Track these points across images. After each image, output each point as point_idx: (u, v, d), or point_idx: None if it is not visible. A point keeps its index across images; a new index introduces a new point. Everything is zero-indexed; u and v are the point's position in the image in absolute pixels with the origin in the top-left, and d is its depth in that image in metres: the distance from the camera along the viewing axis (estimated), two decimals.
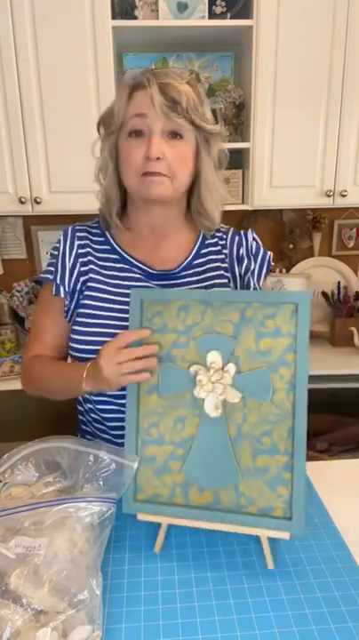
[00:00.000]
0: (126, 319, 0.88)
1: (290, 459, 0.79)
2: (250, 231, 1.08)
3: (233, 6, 1.91)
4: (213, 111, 2.10)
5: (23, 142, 1.90)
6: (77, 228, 1.05)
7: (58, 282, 1.01)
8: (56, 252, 1.04)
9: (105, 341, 0.87)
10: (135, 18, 1.88)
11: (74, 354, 1.03)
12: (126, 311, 0.90)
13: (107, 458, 0.80)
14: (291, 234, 2.44)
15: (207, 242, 1.06)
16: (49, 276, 1.03)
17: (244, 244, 1.06)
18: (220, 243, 1.07)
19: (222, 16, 1.91)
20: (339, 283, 2.41)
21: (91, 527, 0.75)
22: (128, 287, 0.97)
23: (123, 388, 0.86)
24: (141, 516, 0.84)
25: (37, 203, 1.96)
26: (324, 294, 2.41)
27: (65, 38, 1.81)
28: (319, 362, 2.13)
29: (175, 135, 0.92)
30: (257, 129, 1.97)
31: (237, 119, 2.08)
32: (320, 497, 0.98)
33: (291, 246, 2.46)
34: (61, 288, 1.01)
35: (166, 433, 0.84)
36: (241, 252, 1.06)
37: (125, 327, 0.89)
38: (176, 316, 0.83)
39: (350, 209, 2.40)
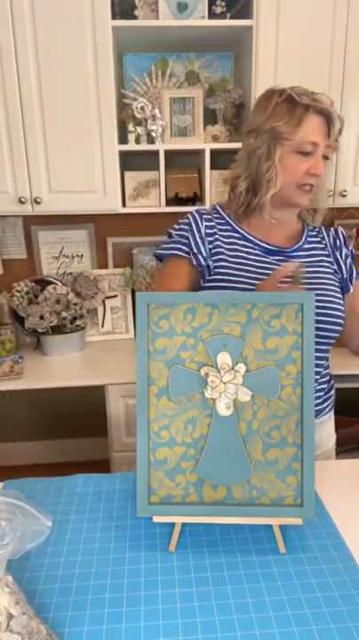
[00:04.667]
0: (250, 288, 1.07)
1: (298, 450, 0.83)
2: (340, 227, 1.28)
3: (233, 6, 1.91)
4: (213, 111, 2.10)
5: (23, 142, 1.90)
6: (202, 213, 1.19)
7: (195, 252, 1.13)
8: (187, 230, 1.16)
9: None
10: (135, 18, 1.88)
11: None
12: (248, 282, 1.10)
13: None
14: None
15: (310, 233, 1.24)
16: (179, 252, 1.14)
17: (337, 237, 1.25)
18: (319, 235, 1.25)
19: (222, 16, 1.91)
20: None
21: None
22: (250, 260, 1.14)
23: None
24: (157, 519, 0.85)
25: (37, 203, 1.96)
26: None
27: (65, 38, 1.81)
28: None
29: (327, 158, 1.11)
30: None
31: (237, 119, 2.08)
32: (320, 497, 0.98)
33: None
34: (199, 257, 1.13)
35: (177, 435, 0.85)
36: (337, 243, 1.24)
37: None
38: (183, 319, 0.84)
39: (350, 209, 2.40)
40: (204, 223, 1.16)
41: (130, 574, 0.80)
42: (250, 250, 1.16)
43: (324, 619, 0.72)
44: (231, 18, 1.91)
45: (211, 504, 0.85)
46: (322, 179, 1.11)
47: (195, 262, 1.13)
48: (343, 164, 2.03)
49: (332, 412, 1.31)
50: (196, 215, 1.18)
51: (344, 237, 1.26)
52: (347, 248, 1.25)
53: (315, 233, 1.25)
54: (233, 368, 0.83)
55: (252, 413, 0.83)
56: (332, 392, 1.29)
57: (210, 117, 2.10)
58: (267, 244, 1.17)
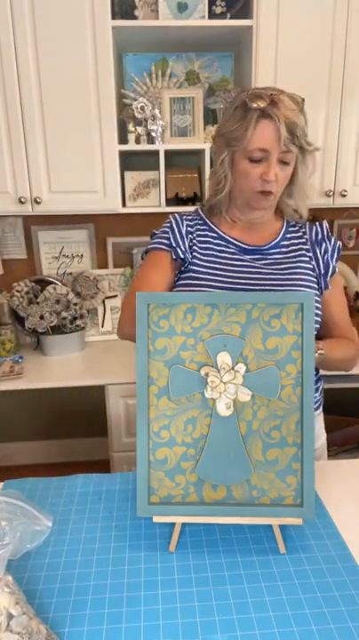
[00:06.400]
0: (216, 286, 1.10)
1: (298, 450, 0.83)
2: (324, 221, 1.25)
3: (233, 6, 1.91)
4: (213, 111, 2.10)
5: (23, 142, 1.90)
6: (183, 215, 1.23)
7: (174, 245, 1.17)
8: (167, 228, 1.20)
9: None
10: (135, 18, 1.88)
11: None
12: (219, 280, 1.12)
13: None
14: None
15: (291, 229, 1.23)
16: (160, 246, 1.18)
17: (320, 230, 1.23)
18: (302, 230, 1.24)
19: (222, 16, 1.91)
20: None
21: None
22: (222, 258, 1.16)
23: None
24: (157, 519, 0.85)
25: (37, 203, 1.96)
26: None
27: (65, 38, 1.81)
28: None
29: (285, 162, 1.08)
30: None
31: None
32: (320, 497, 0.98)
33: None
34: (178, 250, 1.16)
35: (177, 435, 0.85)
36: (319, 237, 1.22)
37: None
38: (183, 319, 0.84)
39: (350, 209, 2.40)
40: (185, 223, 1.20)
41: (130, 574, 0.80)
42: (223, 248, 1.17)
43: (324, 619, 0.72)
44: (231, 18, 1.91)
45: (211, 504, 0.85)
46: (280, 183, 1.10)
47: (174, 255, 1.16)
48: (343, 164, 2.03)
49: (321, 408, 1.30)
50: (177, 217, 1.22)
51: (327, 231, 1.24)
52: (330, 242, 1.22)
53: (296, 228, 1.24)
54: (233, 368, 0.83)
55: (252, 413, 0.83)
56: (320, 385, 1.28)
57: (210, 117, 2.10)
58: (242, 242, 1.18)
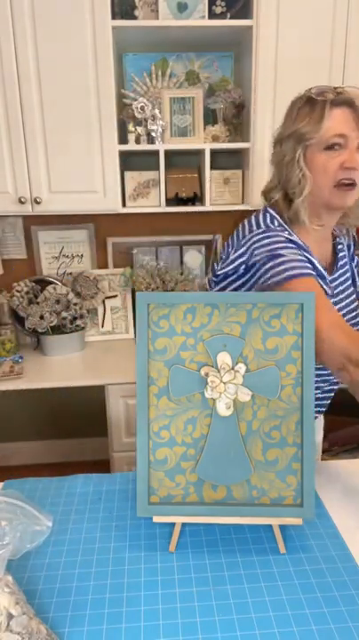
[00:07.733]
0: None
1: (298, 450, 0.83)
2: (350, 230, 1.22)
3: (233, 6, 1.91)
4: (213, 111, 2.10)
5: (23, 142, 1.90)
6: (279, 228, 1.06)
7: (316, 275, 1.04)
8: (295, 249, 1.03)
9: None
10: (135, 18, 1.88)
11: None
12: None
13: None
14: None
15: (338, 246, 1.18)
16: (310, 271, 1.00)
17: (353, 244, 1.21)
18: (339, 245, 1.18)
19: (222, 16, 1.91)
20: None
21: None
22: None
23: None
24: (157, 519, 0.85)
25: (37, 203, 1.96)
26: None
27: (65, 38, 1.81)
28: None
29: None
30: (257, 129, 1.97)
31: (237, 119, 2.08)
32: (320, 497, 0.98)
33: None
34: (320, 281, 1.07)
35: (177, 435, 0.85)
36: (351, 249, 1.21)
37: None
38: (183, 319, 0.84)
39: None
40: (293, 237, 1.06)
41: (130, 574, 0.80)
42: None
43: (324, 619, 0.72)
44: (231, 18, 1.91)
45: (211, 504, 0.85)
46: None
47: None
48: None
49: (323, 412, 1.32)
50: (283, 233, 1.05)
51: (355, 242, 1.22)
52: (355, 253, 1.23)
53: (336, 240, 1.17)
54: (233, 368, 0.83)
55: (252, 413, 0.84)
56: (335, 388, 1.28)
57: (210, 117, 2.10)
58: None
